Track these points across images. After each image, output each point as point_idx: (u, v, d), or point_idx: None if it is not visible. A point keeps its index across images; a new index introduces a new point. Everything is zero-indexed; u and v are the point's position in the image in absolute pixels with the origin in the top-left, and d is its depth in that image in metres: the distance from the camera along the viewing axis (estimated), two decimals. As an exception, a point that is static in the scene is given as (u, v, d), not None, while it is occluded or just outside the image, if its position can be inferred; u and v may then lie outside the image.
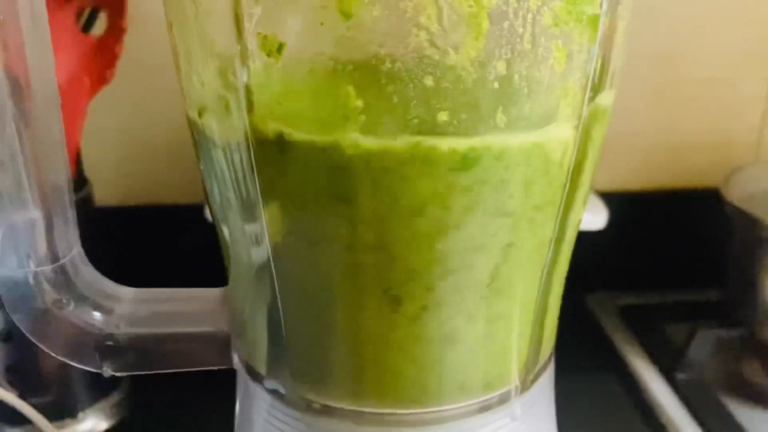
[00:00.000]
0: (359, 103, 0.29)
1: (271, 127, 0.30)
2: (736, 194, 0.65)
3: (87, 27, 0.56)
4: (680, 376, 0.64)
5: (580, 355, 0.64)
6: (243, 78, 0.30)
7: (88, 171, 0.60)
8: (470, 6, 0.27)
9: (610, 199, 0.62)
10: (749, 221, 0.62)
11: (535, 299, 0.36)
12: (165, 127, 0.69)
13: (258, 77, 0.30)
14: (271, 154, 0.31)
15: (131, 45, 0.56)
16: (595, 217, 0.61)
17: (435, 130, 0.29)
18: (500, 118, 0.29)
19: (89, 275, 0.37)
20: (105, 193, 0.68)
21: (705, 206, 0.68)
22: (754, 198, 0.65)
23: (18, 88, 0.34)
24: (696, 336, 0.65)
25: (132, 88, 0.67)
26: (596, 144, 0.34)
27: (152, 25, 0.62)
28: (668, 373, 0.65)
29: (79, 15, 0.55)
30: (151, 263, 0.65)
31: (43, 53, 0.34)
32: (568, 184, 0.33)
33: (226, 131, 0.32)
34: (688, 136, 0.76)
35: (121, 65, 0.56)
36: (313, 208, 0.32)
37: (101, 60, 0.56)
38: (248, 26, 0.29)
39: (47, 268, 0.36)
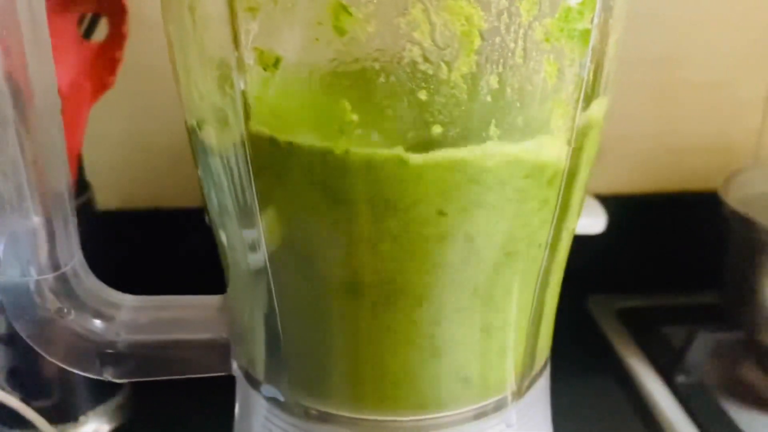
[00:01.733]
0: (354, 117, 0.29)
1: (268, 139, 0.31)
2: (734, 197, 0.65)
3: (88, 33, 0.56)
4: (679, 378, 0.64)
5: (579, 358, 0.64)
6: (240, 90, 0.30)
7: (90, 175, 0.60)
8: (462, 24, 0.27)
9: (609, 202, 0.63)
10: (748, 224, 0.62)
11: (531, 306, 0.37)
12: (166, 131, 0.69)
13: (255, 90, 0.30)
14: (268, 163, 0.32)
15: (132, 50, 0.57)
16: (593, 221, 0.62)
17: (429, 142, 0.29)
18: (493, 130, 0.30)
19: (90, 283, 0.38)
20: (106, 197, 0.68)
21: (704, 209, 0.68)
22: (753, 201, 0.66)
23: (19, 95, 0.34)
24: (695, 339, 0.65)
25: (133, 92, 0.67)
26: (589, 153, 0.35)
27: (153, 31, 0.62)
28: (667, 376, 0.65)
29: (80, 21, 0.55)
30: (152, 267, 0.65)
31: (43, 60, 0.34)
32: (562, 193, 0.34)
33: (224, 140, 0.33)
34: (687, 139, 0.76)
35: (122, 70, 0.56)
36: (309, 215, 0.32)
37: (102, 66, 0.56)
38: (245, 41, 0.29)
39: (49, 277, 0.36)
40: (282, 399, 0.37)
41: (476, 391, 0.36)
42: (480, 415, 0.37)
